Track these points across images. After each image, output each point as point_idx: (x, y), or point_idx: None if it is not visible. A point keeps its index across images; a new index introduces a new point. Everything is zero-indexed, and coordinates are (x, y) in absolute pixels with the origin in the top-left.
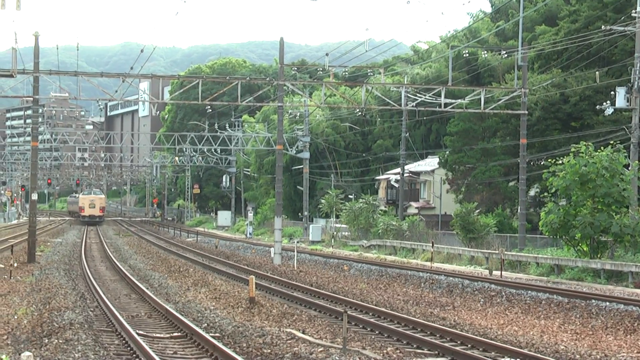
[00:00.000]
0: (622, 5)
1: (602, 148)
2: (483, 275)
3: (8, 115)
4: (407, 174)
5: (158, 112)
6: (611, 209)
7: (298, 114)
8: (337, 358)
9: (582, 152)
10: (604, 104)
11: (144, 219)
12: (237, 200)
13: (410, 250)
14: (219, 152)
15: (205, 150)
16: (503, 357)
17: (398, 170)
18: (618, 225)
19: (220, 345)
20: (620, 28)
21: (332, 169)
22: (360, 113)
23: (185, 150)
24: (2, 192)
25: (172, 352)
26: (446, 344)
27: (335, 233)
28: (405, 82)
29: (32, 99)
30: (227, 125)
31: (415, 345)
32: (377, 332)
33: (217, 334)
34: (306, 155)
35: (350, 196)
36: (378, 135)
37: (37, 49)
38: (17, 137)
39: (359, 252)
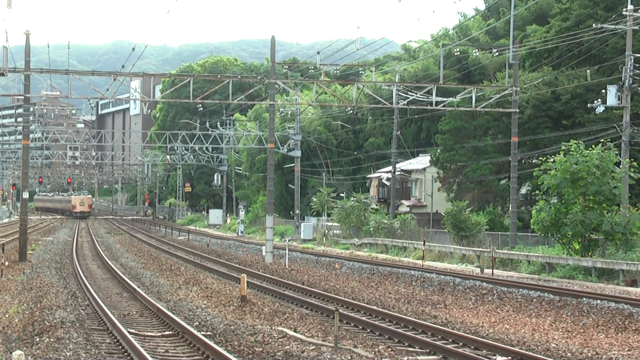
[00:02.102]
0: (613, 4)
1: (593, 146)
2: (474, 273)
3: None
4: (399, 172)
5: (149, 110)
6: (602, 207)
7: (289, 113)
8: (328, 356)
9: (573, 150)
10: (595, 102)
11: (135, 217)
12: (228, 198)
13: (402, 248)
14: (210, 150)
15: (197, 148)
16: (494, 355)
17: (389, 168)
18: (609, 223)
19: (211, 343)
20: (611, 26)
21: (323, 167)
22: (351, 111)
23: (177, 149)
24: None
25: (163, 350)
26: (438, 342)
27: (326, 231)
28: (395, 80)
29: (23, 97)
30: (218, 123)
31: (406, 344)
32: (368, 330)
33: (209, 333)
34: (298, 153)
35: (341, 194)
36: (369, 133)
37: (28, 47)
38: (8, 136)
39: (351, 250)
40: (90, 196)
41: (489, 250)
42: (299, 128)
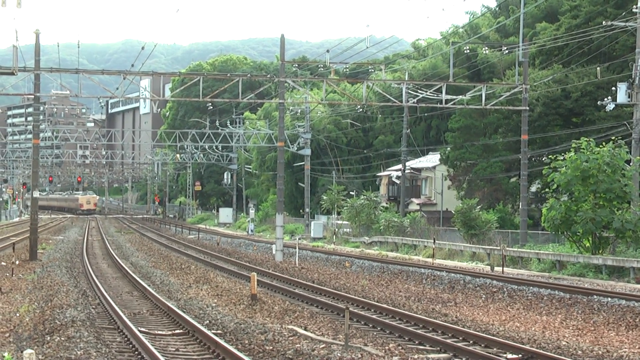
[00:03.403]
0: (623, 1)
1: (603, 143)
2: (485, 271)
3: (9, 113)
4: (409, 171)
5: (159, 109)
6: (613, 204)
7: (299, 111)
8: (339, 355)
9: (584, 148)
10: (605, 99)
11: (145, 216)
12: (238, 197)
13: (412, 246)
14: (220, 149)
15: (207, 147)
16: (505, 353)
17: (399, 166)
18: (620, 221)
19: (222, 342)
20: (621, 24)
21: (333, 166)
22: (361, 109)
23: (187, 148)
24: (4, 190)
25: (174, 349)
26: (448, 340)
27: (336, 230)
28: (405, 78)
29: (33, 96)
30: (228, 122)
31: (417, 342)
32: (379, 328)
33: (219, 331)
34: (307, 152)
35: (351, 193)
36: (379, 131)
37: (38, 47)
38: (18, 135)
39: (361, 248)
40: (95, 195)
41: (499, 248)
42: (309, 126)
